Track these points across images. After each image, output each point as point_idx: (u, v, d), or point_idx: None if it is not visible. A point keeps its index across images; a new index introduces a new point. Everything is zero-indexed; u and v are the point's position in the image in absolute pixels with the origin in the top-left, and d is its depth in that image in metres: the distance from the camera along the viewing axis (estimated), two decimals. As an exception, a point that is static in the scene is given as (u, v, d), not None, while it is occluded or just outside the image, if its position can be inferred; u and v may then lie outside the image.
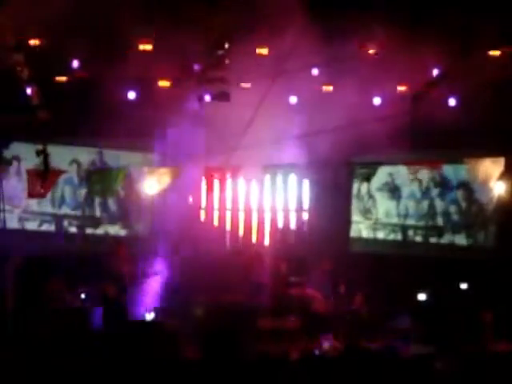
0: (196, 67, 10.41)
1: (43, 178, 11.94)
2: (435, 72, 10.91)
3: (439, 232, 12.91)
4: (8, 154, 12.81)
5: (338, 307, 11.51)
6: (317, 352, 9.16)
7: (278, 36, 10.00)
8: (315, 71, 11.07)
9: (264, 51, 10.30)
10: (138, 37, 10.25)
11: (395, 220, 13.39)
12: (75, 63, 10.84)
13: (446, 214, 12.82)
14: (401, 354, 8.86)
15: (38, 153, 10.89)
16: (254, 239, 13.28)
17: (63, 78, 10.99)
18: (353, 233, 13.81)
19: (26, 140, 12.84)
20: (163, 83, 10.88)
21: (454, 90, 11.29)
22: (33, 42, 9.93)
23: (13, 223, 12.75)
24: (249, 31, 9.51)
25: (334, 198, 13.08)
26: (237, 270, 11.83)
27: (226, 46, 8.80)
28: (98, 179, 13.08)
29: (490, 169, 11.98)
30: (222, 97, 10.77)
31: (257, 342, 10.04)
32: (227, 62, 9.14)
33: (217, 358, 6.80)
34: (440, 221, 12.90)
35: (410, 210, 13.22)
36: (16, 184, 12.90)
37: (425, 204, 13.06)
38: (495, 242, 12.15)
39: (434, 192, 12.92)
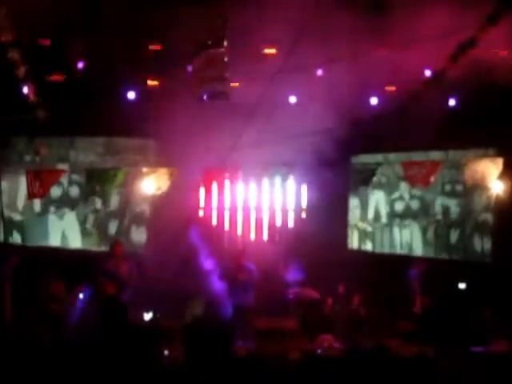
0: (195, 65, 10.37)
1: (40, 178, 11.96)
2: (431, 71, 10.89)
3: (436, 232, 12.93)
4: (7, 153, 12.82)
5: (336, 307, 11.51)
6: (319, 352, 9.12)
7: (278, 35, 9.98)
8: (315, 71, 11.05)
9: (263, 50, 10.29)
10: (136, 36, 10.24)
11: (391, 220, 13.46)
12: (74, 62, 10.84)
13: (445, 215, 12.83)
14: (398, 354, 8.84)
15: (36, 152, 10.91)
16: (252, 239, 13.30)
17: (61, 77, 10.97)
18: (351, 233, 13.86)
19: (25, 139, 12.87)
20: (153, 82, 10.87)
21: (453, 90, 11.30)
22: (30, 39, 9.89)
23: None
24: (248, 29, 9.50)
25: (333, 197, 13.08)
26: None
27: (225, 43, 8.79)
28: (97, 179, 13.08)
29: (488, 169, 11.98)
30: (220, 96, 10.74)
31: (253, 341, 10.03)
32: (226, 59, 9.12)
33: (211, 358, 6.73)
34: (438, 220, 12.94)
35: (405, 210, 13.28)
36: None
37: (421, 204, 13.10)
38: (493, 242, 12.13)
39: (430, 193, 12.93)
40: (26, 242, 13.20)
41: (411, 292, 11.45)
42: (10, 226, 12.95)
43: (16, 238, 13.22)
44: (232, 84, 10.16)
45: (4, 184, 12.57)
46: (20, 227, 13.29)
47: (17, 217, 13.23)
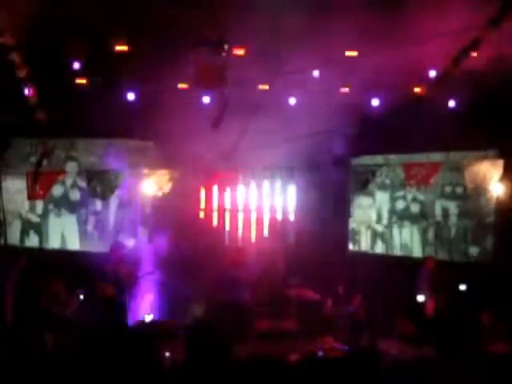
0: (194, 68, 10.39)
1: (37, 179, 11.97)
2: (432, 73, 10.90)
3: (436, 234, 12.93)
4: (7, 155, 12.81)
5: (336, 308, 11.51)
6: (320, 353, 9.11)
7: (277, 38, 9.99)
8: (313, 73, 11.05)
9: (263, 52, 10.29)
10: (137, 37, 10.24)
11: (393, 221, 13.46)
12: (74, 64, 10.85)
13: (445, 217, 12.83)
14: (397, 355, 8.84)
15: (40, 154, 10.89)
16: (252, 240, 13.31)
17: (62, 79, 10.98)
18: (351, 233, 13.86)
19: (27, 141, 12.86)
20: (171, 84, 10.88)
21: (453, 92, 11.30)
22: (31, 41, 9.88)
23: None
24: (247, 32, 9.51)
25: (333, 199, 13.10)
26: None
27: (226, 47, 8.79)
28: (98, 181, 13.08)
29: (488, 171, 11.98)
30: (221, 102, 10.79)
31: (253, 342, 10.03)
32: (226, 62, 9.13)
33: (212, 359, 6.75)
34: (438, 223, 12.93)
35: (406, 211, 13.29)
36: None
37: (421, 206, 13.10)
38: (494, 244, 12.13)
39: (430, 195, 12.93)
40: (27, 243, 13.23)
41: (421, 292, 11.44)
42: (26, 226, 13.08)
43: (26, 240, 13.30)
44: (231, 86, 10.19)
45: (10, 186, 12.62)
46: (36, 228, 13.34)
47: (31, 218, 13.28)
